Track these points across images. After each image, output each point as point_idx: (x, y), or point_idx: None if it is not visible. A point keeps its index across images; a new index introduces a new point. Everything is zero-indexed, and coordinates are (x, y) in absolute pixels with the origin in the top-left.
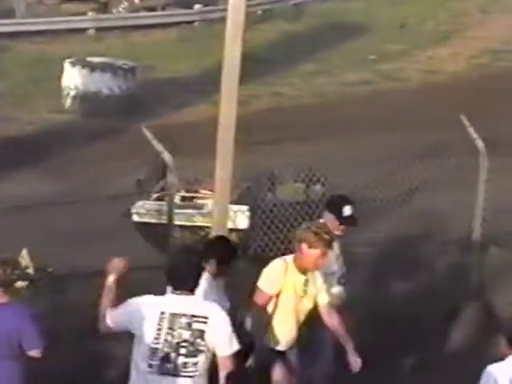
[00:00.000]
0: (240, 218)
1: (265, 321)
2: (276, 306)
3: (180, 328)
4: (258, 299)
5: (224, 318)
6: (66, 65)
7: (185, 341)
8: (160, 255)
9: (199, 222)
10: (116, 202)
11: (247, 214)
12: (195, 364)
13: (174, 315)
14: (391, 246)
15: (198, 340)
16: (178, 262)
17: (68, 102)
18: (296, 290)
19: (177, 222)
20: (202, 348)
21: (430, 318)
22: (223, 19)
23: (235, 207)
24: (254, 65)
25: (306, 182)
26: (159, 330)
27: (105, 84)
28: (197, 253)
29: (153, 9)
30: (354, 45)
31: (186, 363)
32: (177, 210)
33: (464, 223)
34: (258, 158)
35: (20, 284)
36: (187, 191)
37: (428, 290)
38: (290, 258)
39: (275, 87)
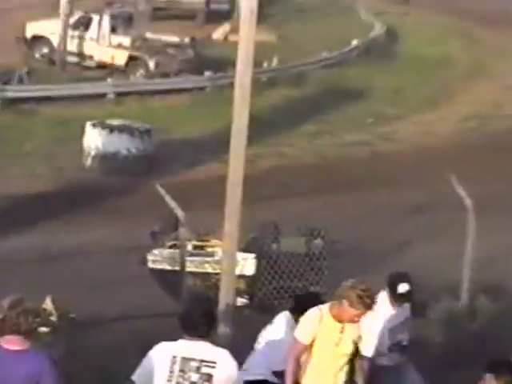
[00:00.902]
0: (247, 265)
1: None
2: (311, 353)
3: (190, 371)
4: (293, 348)
5: (232, 363)
6: (87, 127)
7: (194, 383)
8: (174, 301)
9: (210, 268)
10: (133, 251)
11: (253, 261)
12: None
13: (184, 359)
14: None
15: (206, 383)
16: (190, 309)
17: (89, 161)
18: (332, 337)
19: (189, 269)
20: None
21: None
22: (232, 85)
23: (243, 255)
24: (260, 127)
25: (307, 235)
26: (171, 372)
27: (123, 145)
28: (208, 300)
29: (167, 75)
30: (353, 108)
31: None
32: (189, 258)
33: (453, 275)
34: (263, 212)
35: (43, 329)
36: (199, 240)
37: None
38: (325, 307)
39: (279, 148)
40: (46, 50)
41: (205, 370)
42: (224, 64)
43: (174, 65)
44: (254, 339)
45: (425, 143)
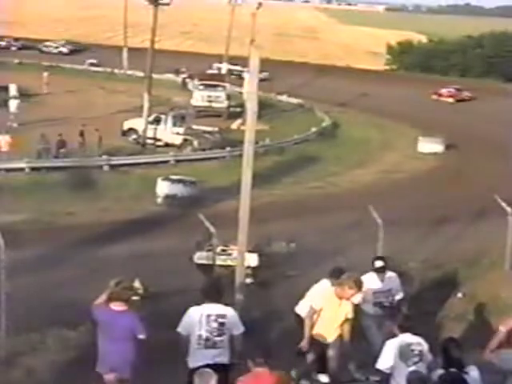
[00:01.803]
0: (252, 260)
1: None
2: (319, 316)
3: (211, 321)
4: (309, 311)
5: (235, 314)
6: (159, 180)
7: (215, 328)
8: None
9: (230, 263)
10: (186, 253)
11: (256, 257)
12: (222, 341)
13: (208, 315)
14: None
15: (222, 327)
16: (207, 287)
17: (159, 200)
18: (334, 307)
19: (217, 263)
20: (225, 331)
21: None
22: (242, 155)
23: (249, 254)
24: (258, 179)
25: (286, 241)
26: (200, 323)
27: (179, 190)
28: (217, 282)
29: (204, 150)
30: (313, 168)
31: (216, 341)
32: (218, 257)
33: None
34: (261, 229)
35: (135, 298)
36: (224, 246)
37: None
38: (332, 288)
39: (271, 191)
40: (134, 136)
41: (220, 320)
42: (238, 143)
43: (209, 144)
44: (257, 303)
45: (354, 187)
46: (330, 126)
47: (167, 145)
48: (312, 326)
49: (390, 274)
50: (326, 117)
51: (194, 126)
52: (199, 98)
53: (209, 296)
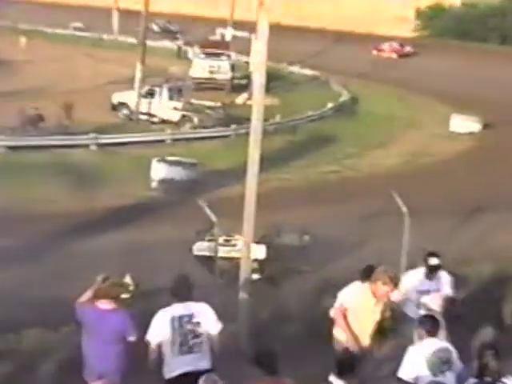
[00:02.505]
0: (260, 252)
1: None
2: (353, 315)
3: (185, 323)
4: (340, 309)
5: (210, 310)
6: (154, 162)
7: (189, 330)
8: (210, 276)
9: (234, 255)
10: (184, 244)
11: (264, 250)
12: (200, 343)
13: (180, 317)
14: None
15: (197, 328)
16: (177, 284)
17: (154, 185)
18: (368, 306)
19: (220, 255)
20: (201, 332)
21: None
22: (248, 134)
23: (256, 245)
24: (267, 162)
25: (299, 233)
26: (173, 328)
27: (177, 173)
28: (187, 277)
29: (205, 127)
30: (329, 149)
31: (193, 344)
32: (220, 248)
33: (396, 260)
34: (270, 217)
35: (125, 296)
36: (227, 236)
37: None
38: (366, 285)
39: (281, 175)
40: (125, 111)
41: (195, 319)
42: (244, 120)
43: (210, 120)
44: (264, 302)
45: (375, 171)
46: (349, 101)
47: (163, 121)
48: (348, 326)
49: (441, 272)
50: (343, 90)
51: (194, 101)
52: (199, 68)
53: (178, 294)
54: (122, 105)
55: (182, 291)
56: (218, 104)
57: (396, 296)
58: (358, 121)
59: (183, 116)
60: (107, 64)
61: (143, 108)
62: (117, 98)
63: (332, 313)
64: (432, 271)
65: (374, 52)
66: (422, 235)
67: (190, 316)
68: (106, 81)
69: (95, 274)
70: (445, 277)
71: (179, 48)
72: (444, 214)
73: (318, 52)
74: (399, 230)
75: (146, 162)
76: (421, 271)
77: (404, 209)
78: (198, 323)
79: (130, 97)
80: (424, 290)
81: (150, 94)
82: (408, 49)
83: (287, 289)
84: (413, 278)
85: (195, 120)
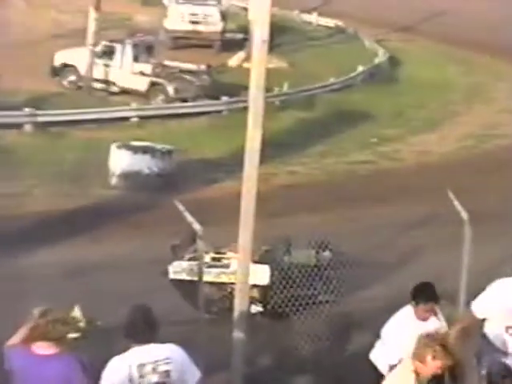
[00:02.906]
0: (260, 275)
1: None
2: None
3: (148, 374)
4: None
5: (183, 354)
6: (113, 148)
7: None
8: (193, 309)
9: (225, 279)
10: (155, 263)
11: (267, 272)
12: None
13: (140, 365)
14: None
15: (167, 378)
16: (133, 320)
17: (114, 180)
18: None
19: (206, 279)
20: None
21: None
22: (246, 109)
23: (256, 266)
24: (272, 147)
25: (317, 248)
26: (131, 381)
27: (145, 164)
28: (147, 308)
29: (185, 100)
30: (358, 130)
31: None
32: (206, 269)
33: (452, 283)
34: (275, 226)
35: (72, 335)
36: (216, 253)
37: None
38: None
39: (291, 167)
40: (73, 78)
41: (161, 368)
42: (239, 89)
43: (192, 90)
44: (266, 344)
45: (424, 161)
46: (387, 64)
47: (125, 91)
48: None
49: None
50: (379, 48)
51: (168, 63)
52: (177, 16)
53: (135, 334)
54: (68, 68)
55: (141, 330)
56: (202, 67)
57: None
58: (399, 91)
59: (153, 84)
60: (46, 10)
61: (98, 73)
62: (60, 58)
63: (381, 361)
64: None
65: None
66: (487, 250)
67: (156, 363)
68: (46, 34)
69: (30, 306)
70: None
71: None
72: None
73: None
74: (456, 243)
75: (103, 148)
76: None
77: (464, 214)
78: (167, 372)
79: (78, 57)
80: None
81: (108, 52)
82: None
83: (298, 326)
84: (501, 290)
85: (170, 89)
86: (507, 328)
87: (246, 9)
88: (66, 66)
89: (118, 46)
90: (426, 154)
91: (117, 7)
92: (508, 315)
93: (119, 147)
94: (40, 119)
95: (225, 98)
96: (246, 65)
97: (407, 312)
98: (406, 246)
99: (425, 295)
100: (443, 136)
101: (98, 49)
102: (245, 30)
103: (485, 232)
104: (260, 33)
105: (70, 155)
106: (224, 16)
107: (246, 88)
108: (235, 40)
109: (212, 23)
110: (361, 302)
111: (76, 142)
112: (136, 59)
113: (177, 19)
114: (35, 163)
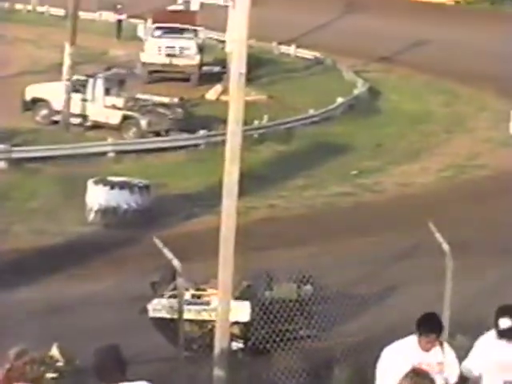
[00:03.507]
0: (241, 311)
1: None
2: None
3: None
4: None
5: None
6: (90, 184)
7: None
8: (173, 347)
9: (206, 316)
10: (134, 301)
11: (248, 309)
12: None
13: None
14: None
15: None
16: (102, 360)
17: (91, 216)
18: None
19: (186, 317)
20: None
21: None
22: (224, 142)
23: (237, 303)
24: (251, 181)
25: (298, 282)
26: None
27: (123, 200)
28: (115, 348)
29: (158, 133)
30: (338, 162)
31: None
32: (186, 306)
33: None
34: (256, 260)
35: (50, 375)
36: (196, 290)
37: None
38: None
39: (270, 200)
40: (45, 112)
41: None
42: (217, 122)
43: (165, 123)
44: (248, 382)
45: (405, 193)
46: (366, 94)
47: (96, 126)
48: None
49: None
50: (358, 79)
51: (141, 96)
52: (154, 50)
53: (105, 375)
54: (39, 102)
55: (110, 370)
56: (176, 100)
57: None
58: (379, 122)
59: (126, 117)
60: (22, 45)
61: (74, 107)
62: (31, 92)
63: None
64: (506, 336)
65: None
66: (470, 283)
67: None
68: (19, 69)
69: (6, 347)
70: None
71: (119, 23)
72: (500, 253)
73: (322, 24)
74: (438, 276)
75: (80, 184)
76: (496, 338)
77: (445, 246)
78: None
79: (50, 91)
80: (507, 362)
81: (79, 86)
82: None
83: (280, 363)
84: (488, 347)
85: (143, 123)
86: (505, 382)
87: (223, 41)
88: (37, 100)
89: (89, 80)
90: (406, 186)
91: (92, 42)
92: (503, 369)
93: (96, 183)
94: (15, 155)
95: (202, 132)
96: (223, 98)
97: (411, 341)
98: (388, 279)
99: (427, 326)
100: (424, 167)
101: (71, 83)
102: (222, 62)
103: (468, 264)
104: (237, 65)
105: (46, 191)
106: (201, 49)
107: (224, 121)
108: (212, 73)
109: (189, 56)
110: (342, 336)
111: (52, 177)
112: (108, 93)
113: (153, 52)
114: (10, 201)
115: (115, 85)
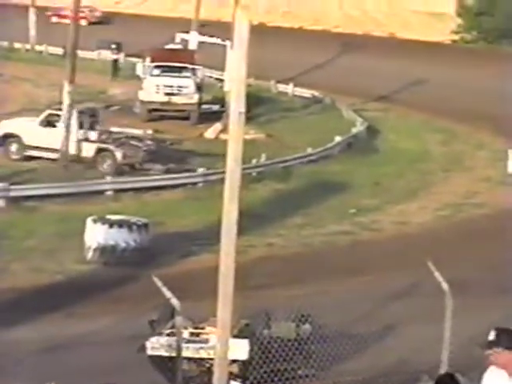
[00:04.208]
0: (240, 350)
1: None
2: None
3: None
4: None
5: None
6: (88, 222)
7: None
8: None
9: (204, 354)
10: (132, 340)
11: (246, 347)
12: None
13: None
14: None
15: None
16: None
17: (90, 254)
18: None
19: (185, 355)
20: None
21: None
22: (223, 181)
23: (236, 341)
24: (249, 219)
25: (296, 321)
26: None
27: (121, 238)
28: None
29: (132, 166)
30: (336, 200)
31: None
32: (185, 345)
33: (434, 356)
34: (254, 299)
35: None
36: (194, 328)
37: None
38: None
39: (268, 238)
40: (15, 147)
41: None
42: (215, 161)
43: (139, 156)
44: None
45: (403, 231)
46: (364, 133)
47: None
48: None
49: None
50: (357, 118)
51: (114, 129)
52: (153, 88)
53: None
54: (11, 138)
55: None
56: (148, 132)
57: None
58: (377, 161)
59: (100, 150)
60: (20, 83)
61: (39, 141)
62: (3, 128)
63: None
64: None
65: None
66: (472, 321)
67: None
68: (17, 108)
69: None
70: None
71: (115, 62)
72: (499, 292)
73: (319, 64)
74: (437, 316)
75: (78, 222)
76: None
77: (445, 285)
78: None
79: (22, 126)
80: None
81: (51, 121)
82: None
83: None
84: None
85: (118, 155)
86: None
87: (221, 80)
88: (9, 136)
89: (62, 114)
90: (404, 224)
91: (91, 80)
92: None
93: (95, 221)
94: (12, 194)
95: (201, 170)
96: (223, 136)
97: None
98: (387, 318)
99: None
100: (421, 206)
101: (43, 117)
102: (221, 101)
103: (466, 303)
104: (236, 105)
105: (44, 230)
106: (199, 87)
107: (223, 160)
108: (212, 111)
109: (187, 95)
110: (341, 376)
111: (50, 216)
112: (81, 126)
113: (152, 91)
114: (8, 239)
115: (88, 118)
